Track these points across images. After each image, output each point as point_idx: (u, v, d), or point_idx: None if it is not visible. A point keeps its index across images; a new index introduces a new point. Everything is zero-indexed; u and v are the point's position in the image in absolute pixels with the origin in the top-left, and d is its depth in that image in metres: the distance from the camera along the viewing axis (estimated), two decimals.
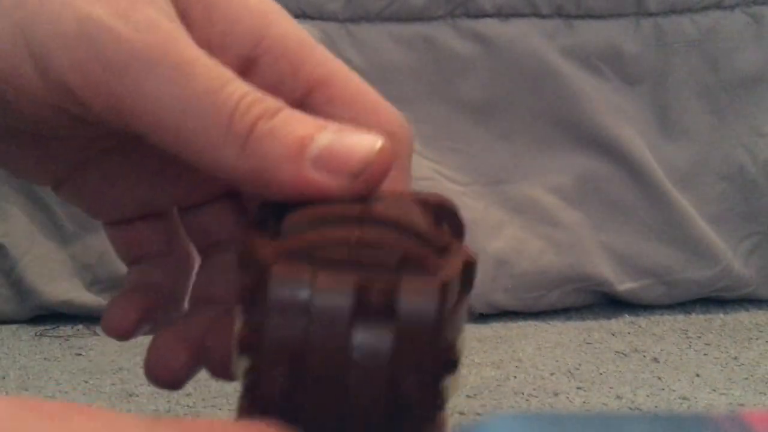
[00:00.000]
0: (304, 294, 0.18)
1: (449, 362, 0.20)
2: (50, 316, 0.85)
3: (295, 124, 0.22)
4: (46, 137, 0.25)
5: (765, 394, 0.71)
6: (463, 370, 0.76)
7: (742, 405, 0.69)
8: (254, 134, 0.21)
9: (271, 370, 0.18)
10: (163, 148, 0.22)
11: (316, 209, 0.21)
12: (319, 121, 0.22)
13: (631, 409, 0.69)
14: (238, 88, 0.22)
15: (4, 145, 0.25)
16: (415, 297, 0.19)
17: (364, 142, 0.22)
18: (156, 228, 0.28)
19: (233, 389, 0.24)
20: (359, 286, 0.19)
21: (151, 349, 0.27)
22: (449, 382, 0.20)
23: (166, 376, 0.26)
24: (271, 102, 0.22)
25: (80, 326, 0.84)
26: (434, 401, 0.20)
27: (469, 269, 0.22)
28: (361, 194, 0.21)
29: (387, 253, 0.20)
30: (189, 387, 0.29)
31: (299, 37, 0.25)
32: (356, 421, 0.18)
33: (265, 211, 0.22)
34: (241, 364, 0.20)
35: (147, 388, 0.71)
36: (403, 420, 0.19)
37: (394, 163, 0.23)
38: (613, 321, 0.87)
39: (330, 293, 0.18)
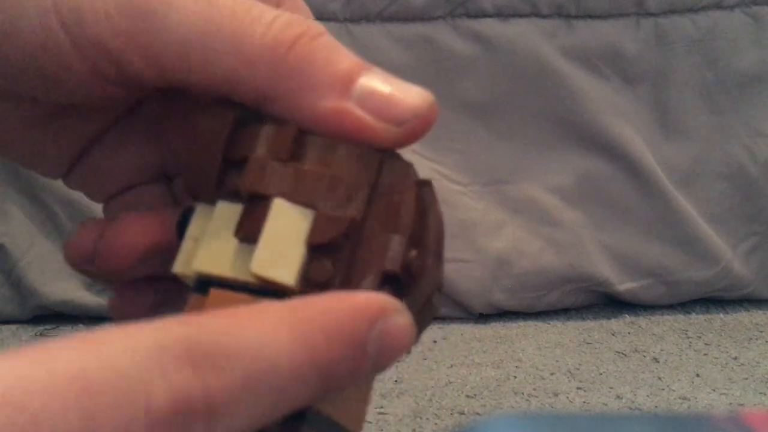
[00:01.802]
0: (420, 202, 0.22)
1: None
2: (50, 316, 0.85)
3: (340, 53, 0.21)
4: (71, 113, 0.25)
5: (765, 394, 0.71)
6: (463, 370, 0.76)
7: (742, 405, 0.69)
8: (294, 51, 0.20)
9: (409, 249, 0.21)
10: (198, 86, 0.21)
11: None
12: (363, 61, 0.21)
13: (631, 409, 0.69)
14: (270, 9, 0.21)
15: (24, 129, 0.25)
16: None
17: (415, 93, 0.21)
18: (162, 190, 0.28)
19: None
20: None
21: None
22: None
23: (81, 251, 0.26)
24: (313, 24, 0.21)
25: (80, 326, 0.84)
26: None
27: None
28: (403, 143, 0.21)
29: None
30: None
31: (307, 11, 0.25)
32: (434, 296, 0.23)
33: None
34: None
35: None
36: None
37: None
38: (613, 321, 0.87)
39: (437, 208, 0.22)
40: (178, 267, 0.21)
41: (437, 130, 0.86)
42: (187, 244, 0.21)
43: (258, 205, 0.20)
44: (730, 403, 0.69)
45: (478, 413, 0.67)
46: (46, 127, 0.25)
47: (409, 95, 0.21)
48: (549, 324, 0.86)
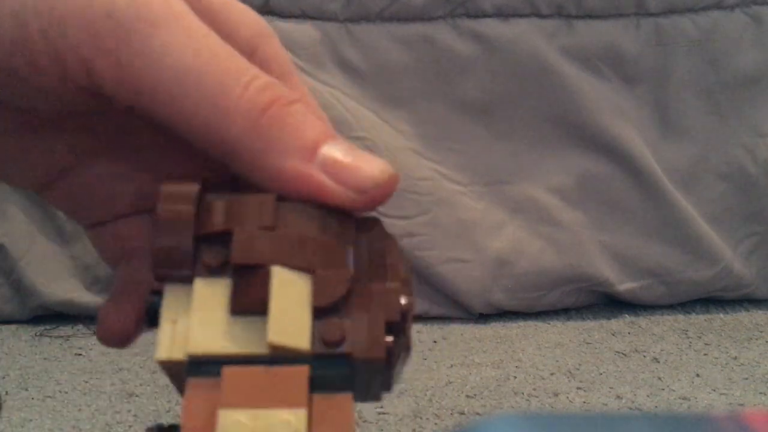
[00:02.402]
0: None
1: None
2: (50, 316, 0.85)
3: (310, 121, 0.22)
4: (50, 126, 0.25)
5: (765, 394, 0.71)
6: (463, 370, 0.76)
7: (742, 405, 0.69)
8: (269, 113, 0.21)
9: (404, 296, 0.21)
10: (168, 122, 0.22)
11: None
12: (330, 130, 0.22)
13: (631, 409, 0.69)
14: (251, 68, 0.22)
15: (4, 139, 0.25)
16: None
17: (375, 165, 0.22)
18: (145, 222, 0.28)
19: None
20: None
21: (102, 312, 0.27)
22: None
23: (116, 334, 0.26)
24: (288, 91, 0.22)
25: (80, 326, 0.84)
26: None
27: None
28: (362, 208, 0.22)
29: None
30: None
31: (286, 61, 0.26)
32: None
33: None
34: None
35: (147, 388, 0.71)
36: None
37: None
38: (613, 321, 0.87)
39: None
40: (164, 353, 0.20)
41: (437, 130, 0.86)
42: (165, 327, 0.21)
43: (251, 276, 0.20)
44: (730, 403, 0.69)
45: (478, 413, 0.67)
46: (24, 136, 0.25)
47: (369, 166, 0.22)
48: (549, 324, 0.86)
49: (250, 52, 0.25)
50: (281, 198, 0.21)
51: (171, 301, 0.21)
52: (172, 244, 0.21)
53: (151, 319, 0.21)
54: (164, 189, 0.21)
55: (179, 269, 0.21)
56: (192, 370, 0.20)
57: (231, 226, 0.21)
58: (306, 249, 0.21)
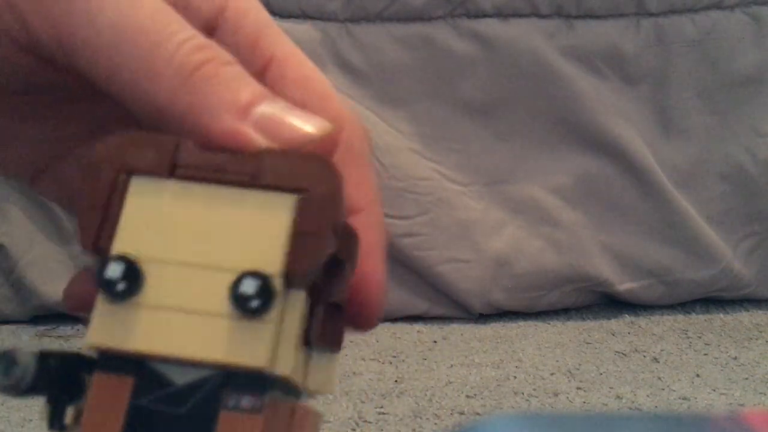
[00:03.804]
0: None
1: None
2: (50, 316, 0.85)
3: (247, 81, 0.21)
4: (36, 112, 0.25)
5: (765, 394, 0.71)
6: (463, 370, 0.76)
7: (742, 405, 0.69)
8: (201, 72, 0.21)
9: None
10: (103, 84, 0.21)
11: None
12: (270, 92, 0.21)
13: (631, 409, 0.69)
14: (187, 27, 0.21)
15: None
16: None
17: (314, 122, 0.21)
18: None
19: None
20: None
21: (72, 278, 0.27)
22: None
23: (76, 301, 0.26)
24: (225, 54, 0.22)
25: (80, 326, 0.84)
26: None
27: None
28: None
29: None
30: None
31: (260, 14, 0.25)
32: None
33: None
34: None
35: None
36: None
37: (348, 157, 0.24)
38: (613, 321, 0.87)
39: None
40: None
41: (437, 130, 0.86)
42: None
43: None
44: (730, 403, 0.69)
45: (478, 413, 0.67)
46: (11, 123, 0.25)
47: (306, 123, 0.21)
48: (549, 324, 0.86)
49: (219, 10, 0.24)
50: None
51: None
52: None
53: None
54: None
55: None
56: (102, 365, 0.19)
57: None
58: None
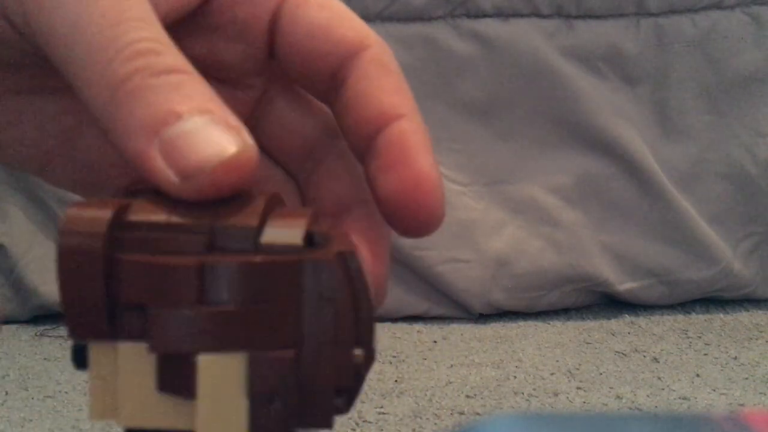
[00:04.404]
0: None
1: None
2: (50, 316, 0.85)
3: (170, 94, 0.19)
4: (38, 91, 0.24)
5: (765, 394, 0.71)
6: (463, 370, 0.76)
7: (742, 405, 0.69)
8: (127, 85, 0.19)
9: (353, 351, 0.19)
10: (53, 63, 0.20)
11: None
12: (196, 103, 0.19)
13: (631, 409, 0.69)
14: (138, 28, 0.20)
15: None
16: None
17: (212, 146, 0.19)
18: None
19: None
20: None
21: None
22: None
23: None
24: (163, 60, 0.20)
25: None
26: None
27: None
28: (192, 199, 0.19)
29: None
30: None
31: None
32: None
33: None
34: None
35: None
36: None
37: (381, 69, 0.23)
38: (613, 321, 0.87)
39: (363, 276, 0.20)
40: (97, 415, 0.19)
41: (437, 130, 0.86)
42: (95, 385, 0.19)
43: (176, 360, 0.18)
44: (730, 403, 0.69)
45: (478, 413, 0.67)
46: (12, 103, 0.25)
47: (204, 146, 0.19)
48: (549, 324, 0.86)
49: None
50: (215, 246, 0.18)
51: (97, 356, 0.19)
52: (81, 301, 0.18)
53: (77, 362, 0.19)
54: (67, 216, 0.18)
55: (95, 333, 0.18)
56: None
57: (146, 301, 0.18)
58: (238, 326, 0.18)
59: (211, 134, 0.19)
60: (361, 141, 0.23)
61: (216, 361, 0.18)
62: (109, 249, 0.18)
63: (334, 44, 0.24)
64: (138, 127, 0.19)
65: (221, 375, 0.18)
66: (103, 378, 0.19)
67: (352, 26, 0.25)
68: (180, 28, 0.23)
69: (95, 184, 0.26)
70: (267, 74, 0.26)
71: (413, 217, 0.22)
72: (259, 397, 0.18)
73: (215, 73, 0.25)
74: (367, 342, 0.19)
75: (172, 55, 0.20)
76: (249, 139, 0.19)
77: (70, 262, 0.19)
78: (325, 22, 0.24)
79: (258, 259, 0.18)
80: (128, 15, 0.20)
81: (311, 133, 0.26)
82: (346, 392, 0.19)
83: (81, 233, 0.18)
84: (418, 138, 0.23)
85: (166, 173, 0.19)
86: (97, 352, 0.19)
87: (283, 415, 0.18)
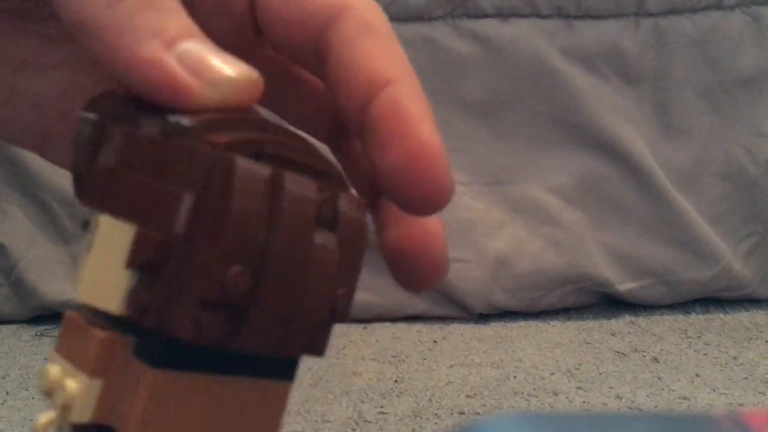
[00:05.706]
0: (268, 194, 0.18)
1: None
2: (50, 316, 0.85)
3: (177, 16, 0.20)
4: (37, 62, 0.24)
5: (765, 394, 0.71)
6: (463, 370, 0.75)
7: (741, 405, 0.69)
8: (124, 2, 0.19)
9: (227, 267, 0.18)
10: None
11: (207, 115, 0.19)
12: (198, 30, 0.20)
13: (631, 409, 0.69)
14: None
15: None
16: (355, 212, 0.20)
17: (237, 65, 0.20)
18: None
19: None
20: (319, 194, 0.19)
21: None
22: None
23: None
24: None
25: None
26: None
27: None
28: (208, 107, 0.19)
29: (314, 160, 0.20)
30: None
31: None
32: (306, 318, 0.19)
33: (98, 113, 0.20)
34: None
35: None
36: (334, 315, 0.20)
37: (365, 31, 0.22)
38: (613, 321, 0.87)
39: (299, 198, 0.19)
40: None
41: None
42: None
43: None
44: (730, 403, 0.69)
45: (478, 413, 0.67)
46: (13, 74, 0.25)
47: (229, 65, 0.20)
48: (549, 324, 0.86)
49: None
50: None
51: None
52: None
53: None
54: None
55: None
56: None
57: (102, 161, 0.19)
58: (139, 195, 0.18)
59: (228, 56, 0.20)
60: (354, 116, 0.22)
61: (112, 224, 0.18)
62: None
63: (311, 10, 0.22)
64: (150, 33, 0.19)
65: (112, 240, 0.18)
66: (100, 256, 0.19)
67: None
68: None
69: None
70: (261, 53, 0.25)
71: (419, 193, 0.21)
72: (142, 269, 0.18)
73: None
74: (264, 263, 0.18)
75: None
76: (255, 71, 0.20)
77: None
78: None
79: (142, 130, 0.19)
80: None
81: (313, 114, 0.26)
82: (224, 307, 0.18)
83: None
84: (413, 104, 0.22)
85: (190, 79, 0.19)
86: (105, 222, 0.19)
87: (146, 298, 0.18)
